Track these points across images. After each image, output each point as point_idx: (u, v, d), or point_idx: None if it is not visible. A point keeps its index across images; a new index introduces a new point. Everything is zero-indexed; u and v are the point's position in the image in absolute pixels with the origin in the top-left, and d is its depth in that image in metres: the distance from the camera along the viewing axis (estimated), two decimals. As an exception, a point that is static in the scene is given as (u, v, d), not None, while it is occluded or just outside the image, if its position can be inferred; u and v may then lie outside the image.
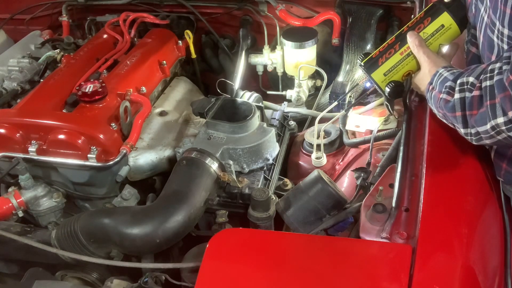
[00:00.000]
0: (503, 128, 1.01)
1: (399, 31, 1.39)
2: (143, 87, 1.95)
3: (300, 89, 2.37)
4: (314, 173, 1.46)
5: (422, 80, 1.30)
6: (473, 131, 1.09)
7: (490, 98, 1.01)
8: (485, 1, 1.17)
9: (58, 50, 2.25)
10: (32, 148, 1.69)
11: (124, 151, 1.69)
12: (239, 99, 1.89)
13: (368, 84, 1.85)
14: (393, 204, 1.16)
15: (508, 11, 1.03)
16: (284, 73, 2.47)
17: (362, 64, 1.42)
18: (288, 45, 2.27)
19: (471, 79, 1.07)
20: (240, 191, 1.62)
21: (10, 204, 1.63)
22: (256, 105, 1.80)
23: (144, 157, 1.79)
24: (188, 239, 1.50)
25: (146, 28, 2.42)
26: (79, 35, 2.67)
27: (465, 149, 1.26)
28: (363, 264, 1.04)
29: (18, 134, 1.70)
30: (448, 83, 1.14)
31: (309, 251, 1.09)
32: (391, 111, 1.52)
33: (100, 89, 1.74)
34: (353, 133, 1.82)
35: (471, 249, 1.07)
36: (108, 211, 1.59)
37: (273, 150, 1.74)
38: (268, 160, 1.72)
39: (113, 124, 1.74)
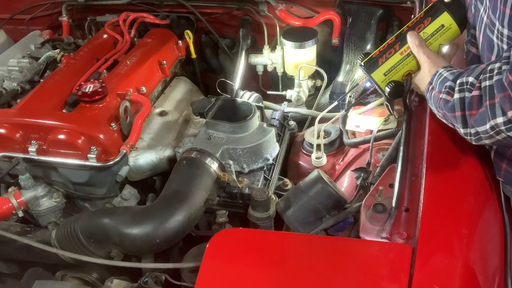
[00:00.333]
0: (503, 128, 1.01)
1: (399, 31, 1.39)
2: (143, 87, 1.95)
3: (300, 89, 2.37)
4: (314, 173, 1.46)
5: (422, 80, 1.30)
6: (472, 131, 1.09)
7: (489, 98, 1.01)
8: (484, 2, 1.17)
9: (58, 50, 2.25)
10: (32, 148, 1.69)
11: (124, 151, 1.69)
12: (239, 99, 1.89)
13: (368, 84, 1.85)
14: (393, 204, 1.16)
15: (508, 11, 1.03)
16: (284, 73, 2.47)
17: (362, 64, 1.42)
18: (288, 45, 2.27)
19: (470, 79, 1.07)
20: (240, 191, 1.62)
21: (10, 204, 1.63)
22: (256, 105, 1.80)
23: (144, 157, 1.79)
24: (188, 239, 1.50)
25: (146, 28, 2.43)
26: (79, 35, 2.67)
27: (465, 149, 1.26)
28: (363, 264, 1.04)
29: (18, 134, 1.70)
30: (448, 83, 1.14)
31: (309, 251, 1.09)
32: (391, 111, 1.52)
33: (100, 89, 1.74)
34: (353, 133, 1.82)
35: (471, 249, 1.07)
36: (108, 211, 1.59)
37: (273, 150, 1.75)
38: (268, 160, 1.72)
39: (113, 124, 1.74)
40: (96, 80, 1.79)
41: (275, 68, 2.49)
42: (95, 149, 1.65)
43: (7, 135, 1.70)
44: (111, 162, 1.67)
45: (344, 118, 1.86)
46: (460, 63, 1.40)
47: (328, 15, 2.32)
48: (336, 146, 1.87)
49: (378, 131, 1.60)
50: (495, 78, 1.00)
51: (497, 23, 1.08)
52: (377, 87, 1.41)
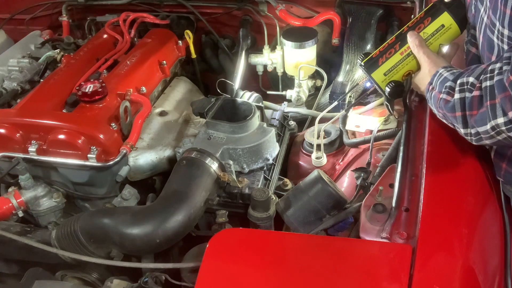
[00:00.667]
0: (503, 128, 1.01)
1: (399, 31, 1.39)
2: (143, 87, 1.95)
3: (300, 89, 2.37)
4: (314, 173, 1.46)
5: (422, 80, 1.30)
6: (473, 131, 1.09)
7: (490, 99, 1.01)
8: (484, 2, 1.17)
9: (58, 50, 2.25)
10: (32, 148, 1.69)
11: (124, 151, 1.69)
12: (239, 99, 1.89)
13: (368, 84, 1.85)
14: (393, 204, 1.16)
15: (508, 11, 1.03)
16: (284, 73, 2.47)
17: (362, 64, 1.42)
18: (288, 45, 2.27)
19: (471, 79, 1.07)
20: (240, 191, 1.62)
21: (10, 204, 1.63)
22: (256, 105, 1.80)
23: (144, 157, 1.79)
24: (188, 239, 1.50)
25: (146, 28, 2.43)
26: (79, 35, 2.66)
27: (465, 149, 1.26)
28: (363, 264, 1.04)
29: (18, 134, 1.70)
30: (448, 83, 1.14)
31: (309, 251, 1.09)
32: (391, 111, 1.52)
33: (100, 89, 1.74)
34: (353, 133, 1.82)
35: (471, 249, 1.07)
36: (108, 211, 1.59)
37: (273, 150, 1.74)
38: (268, 160, 1.72)
39: (113, 124, 1.74)
40: (96, 80, 1.79)
41: (275, 68, 2.49)
42: (95, 149, 1.65)
43: (7, 135, 1.70)
44: (111, 162, 1.67)
45: (344, 118, 1.86)
46: (460, 63, 1.40)
47: (328, 15, 2.32)
48: (336, 146, 1.87)
49: (378, 131, 1.60)
50: (495, 78, 1.00)
51: (497, 24, 1.08)
52: (377, 87, 1.41)
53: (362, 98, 1.82)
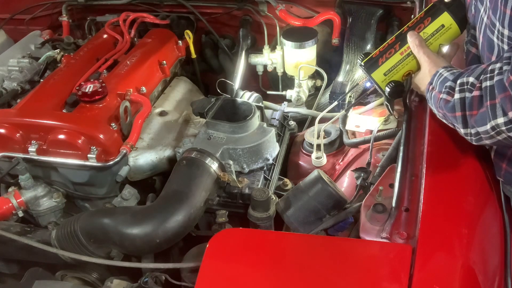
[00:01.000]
0: (503, 128, 1.01)
1: (399, 31, 1.40)
2: (143, 87, 1.95)
3: (300, 89, 2.37)
4: (314, 173, 1.46)
5: (422, 80, 1.30)
6: (473, 131, 1.09)
7: (490, 99, 1.01)
8: (484, 2, 1.17)
9: (58, 50, 2.25)
10: (32, 148, 1.68)
11: (124, 151, 1.69)
12: (239, 99, 1.89)
13: (368, 84, 1.85)
14: (393, 204, 1.16)
15: (508, 12, 1.03)
16: (284, 73, 2.47)
17: (362, 64, 1.42)
18: (288, 45, 2.27)
19: (471, 79, 1.07)
20: (240, 191, 1.62)
21: (10, 204, 1.63)
22: (256, 105, 1.80)
23: (144, 157, 1.79)
24: (188, 239, 1.50)
25: (146, 28, 2.42)
26: (79, 35, 2.66)
27: (465, 149, 1.26)
28: (363, 264, 1.04)
29: (18, 134, 1.70)
30: (448, 83, 1.14)
31: (309, 251, 1.09)
32: (391, 111, 1.52)
33: (100, 89, 1.74)
34: (353, 133, 1.82)
35: (471, 249, 1.07)
36: (108, 211, 1.59)
37: (273, 150, 1.74)
38: (268, 160, 1.72)
39: (113, 124, 1.74)
40: (96, 80, 1.79)
41: (275, 68, 2.49)
42: (95, 149, 1.65)
43: (7, 135, 1.70)
44: (111, 162, 1.67)
45: (344, 118, 1.86)
46: (460, 63, 1.40)
47: (328, 15, 2.32)
48: (336, 146, 1.87)
49: (378, 131, 1.60)
50: (495, 78, 1.00)
51: (497, 24, 1.08)
52: (377, 87, 1.41)
53: (362, 98, 1.82)
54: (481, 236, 1.14)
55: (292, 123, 2.00)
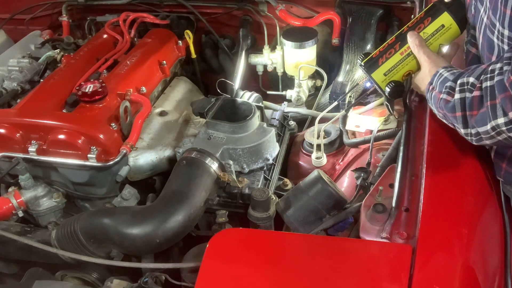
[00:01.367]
0: (504, 128, 1.01)
1: (399, 31, 1.40)
2: (143, 87, 1.95)
3: (300, 89, 2.37)
4: (314, 173, 1.46)
5: (422, 80, 1.30)
6: (473, 131, 1.09)
7: (490, 99, 1.01)
8: (484, 2, 1.17)
9: (58, 50, 2.25)
10: (32, 148, 1.68)
11: (124, 151, 1.69)
12: (239, 99, 1.89)
13: (368, 84, 1.85)
14: (393, 204, 1.16)
15: (508, 12, 1.03)
16: (284, 73, 2.47)
17: (362, 64, 1.42)
18: (288, 45, 2.27)
19: (471, 79, 1.07)
20: (240, 191, 1.62)
21: (10, 204, 1.63)
22: (256, 105, 1.80)
23: (144, 157, 1.79)
24: (188, 239, 1.50)
25: (146, 28, 2.42)
26: (79, 35, 2.66)
27: (465, 149, 1.26)
28: (363, 264, 1.04)
29: (18, 134, 1.70)
30: (448, 83, 1.14)
31: (309, 251, 1.09)
32: (391, 111, 1.52)
33: (100, 89, 1.74)
34: (353, 133, 1.82)
35: (471, 249, 1.07)
36: (108, 211, 1.59)
37: (273, 150, 1.74)
38: (268, 160, 1.72)
39: (113, 124, 1.74)
40: (96, 80, 1.79)
41: (275, 68, 2.49)
42: (95, 149, 1.65)
43: (7, 135, 1.70)
44: (111, 162, 1.67)
45: (344, 118, 1.86)
46: (460, 63, 1.40)
47: (328, 15, 2.32)
48: (336, 146, 1.87)
49: (378, 131, 1.60)
50: (496, 78, 1.00)
51: (497, 24, 1.08)
52: (377, 87, 1.41)
53: (362, 98, 1.82)
54: (481, 236, 1.14)
55: (292, 123, 2.00)
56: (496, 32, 1.10)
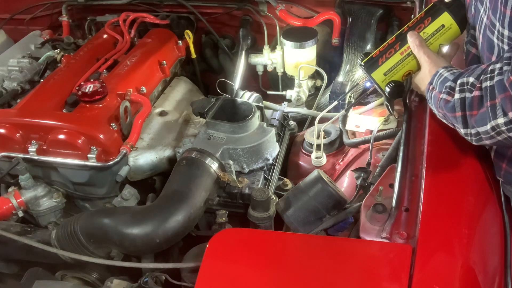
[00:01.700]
0: (503, 128, 1.01)
1: (399, 31, 1.40)
2: (143, 87, 1.95)
3: (300, 89, 2.37)
4: (314, 173, 1.46)
5: (422, 80, 1.30)
6: (473, 131, 1.09)
7: (490, 99, 1.01)
8: (484, 2, 1.17)
9: (58, 50, 2.25)
10: (32, 148, 1.68)
11: (124, 151, 1.69)
12: (239, 99, 1.89)
13: (368, 84, 1.85)
14: (393, 204, 1.16)
15: (508, 12, 1.03)
16: (284, 73, 2.47)
17: (362, 64, 1.42)
18: (288, 45, 2.27)
19: (471, 79, 1.07)
20: (240, 191, 1.62)
21: (10, 204, 1.63)
22: (256, 105, 1.80)
23: (144, 157, 1.79)
24: (188, 239, 1.50)
25: (146, 28, 2.42)
26: (79, 35, 2.66)
27: (465, 149, 1.26)
28: (363, 264, 1.04)
29: (18, 134, 1.70)
30: (448, 83, 1.14)
31: (309, 251, 1.09)
32: (391, 111, 1.52)
33: (100, 89, 1.74)
34: (353, 133, 1.82)
35: (471, 249, 1.07)
36: (108, 211, 1.59)
37: (273, 150, 1.74)
38: (268, 160, 1.72)
39: (113, 124, 1.74)
40: (96, 80, 1.79)
41: (275, 68, 2.49)
42: (95, 149, 1.65)
43: (7, 135, 1.70)
44: (111, 162, 1.67)
45: (344, 118, 1.86)
46: (460, 63, 1.40)
47: (328, 15, 2.32)
48: (336, 146, 1.87)
49: (378, 131, 1.60)
50: (496, 78, 1.00)
51: (497, 24, 1.08)
52: (377, 87, 1.41)
53: (362, 98, 1.82)
54: (481, 236, 1.14)
55: (292, 123, 2.00)
56: (496, 32, 1.10)
